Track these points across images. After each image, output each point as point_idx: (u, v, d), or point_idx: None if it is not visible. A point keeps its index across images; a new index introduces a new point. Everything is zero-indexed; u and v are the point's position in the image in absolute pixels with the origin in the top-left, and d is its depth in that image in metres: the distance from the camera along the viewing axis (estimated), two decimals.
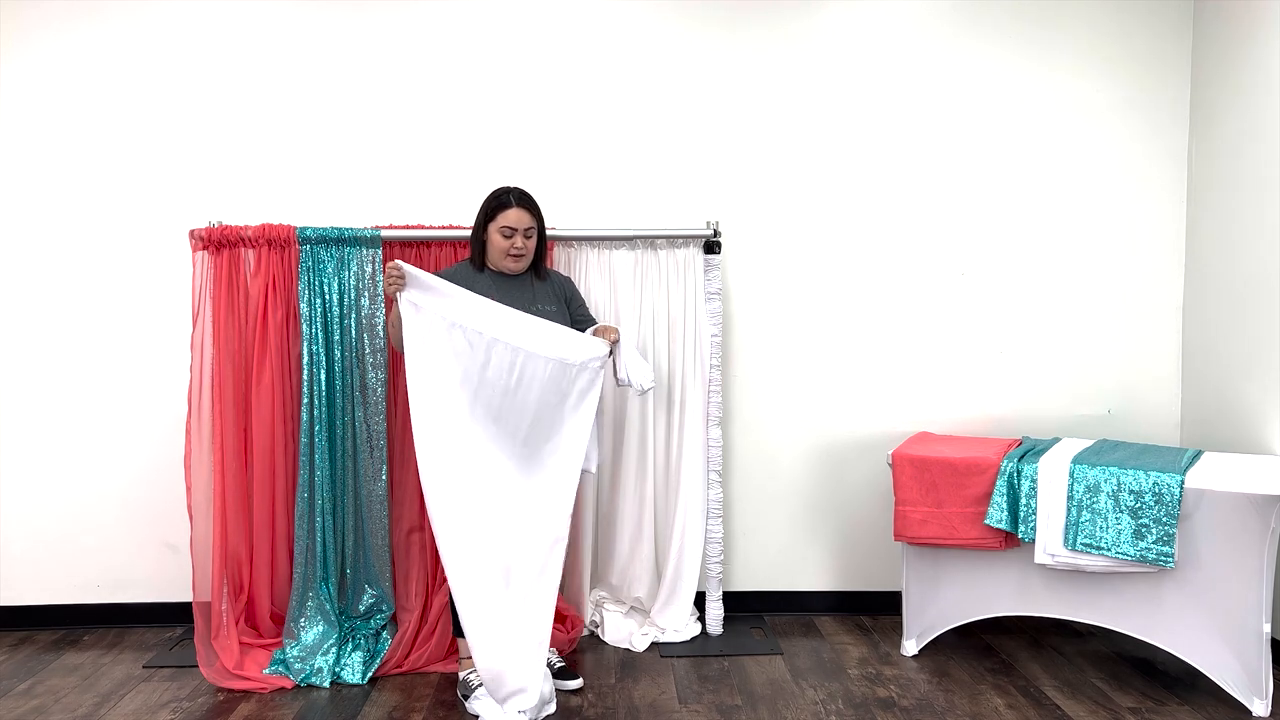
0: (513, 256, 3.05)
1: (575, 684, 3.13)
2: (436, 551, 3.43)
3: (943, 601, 3.31)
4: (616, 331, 3.16)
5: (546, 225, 3.23)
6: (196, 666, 3.23)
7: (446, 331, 2.92)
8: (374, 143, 3.65)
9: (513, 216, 3.03)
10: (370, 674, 3.24)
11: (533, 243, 3.08)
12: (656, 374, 3.58)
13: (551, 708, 2.95)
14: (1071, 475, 3.01)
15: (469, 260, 3.15)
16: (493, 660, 2.85)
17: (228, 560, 3.36)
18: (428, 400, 2.91)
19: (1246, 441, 3.37)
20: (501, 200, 3.05)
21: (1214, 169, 3.58)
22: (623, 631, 3.53)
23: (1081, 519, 2.97)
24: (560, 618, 3.41)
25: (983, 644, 3.48)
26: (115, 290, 3.64)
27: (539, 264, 3.16)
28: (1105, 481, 2.96)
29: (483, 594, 2.91)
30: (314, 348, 3.33)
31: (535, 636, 2.92)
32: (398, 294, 2.91)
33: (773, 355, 3.76)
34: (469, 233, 3.36)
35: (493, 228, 3.04)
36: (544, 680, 2.94)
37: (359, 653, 3.29)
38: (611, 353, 3.14)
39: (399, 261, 2.93)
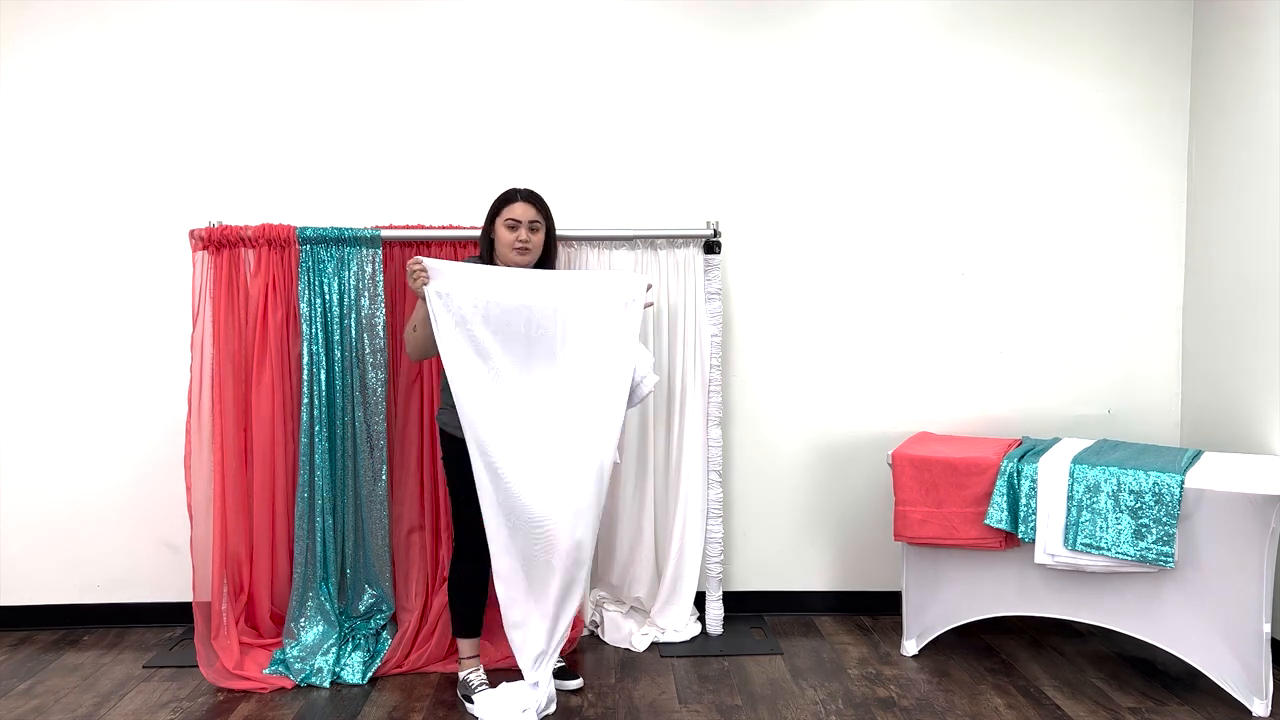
0: (518, 249, 3.04)
1: (575, 684, 3.13)
2: (436, 551, 3.45)
3: (943, 601, 3.31)
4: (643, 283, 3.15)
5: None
6: (196, 666, 3.23)
7: (483, 309, 2.92)
8: (374, 143, 3.65)
9: (518, 209, 3.04)
10: (370, 674, 3.24)
11: (539, 238, 3.08)
12: (657, 374, 3.57)
13: (551, 708, 2.95)
14: (1071, 475, 3.01)
15: (476, 258, 3.15)
16: (527, 628, 2.92)
17: (228, 560, 3.35)
18: (473, 384, 2.91)
19: (1246, 441, 3.37)
20: (507, 195, 3.08)
21: (1214, 169, 3.58)
22: (623, 631, 3.53)
23: (1081, 519, 2.97)
24: None
25: (983, 644, 3.48)
26: (115, 290, 3.64)
27: (547, 263, 3.16)
28: (1105, 481, 2.96)
29: (524, 579, 2.95)
30: (314, 348, 3.33)
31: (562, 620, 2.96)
32: (424, 287, 2.91)
33: (773, 355, 3.76)
34: (469, 233, 3.38)
35: (499, 222, 3.05)
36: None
37: (359, 653, 3.29)
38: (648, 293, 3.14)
39: (419, 256, 2.94)
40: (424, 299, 2.91)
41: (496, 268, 3.01)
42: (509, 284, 2.96)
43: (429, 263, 2.92)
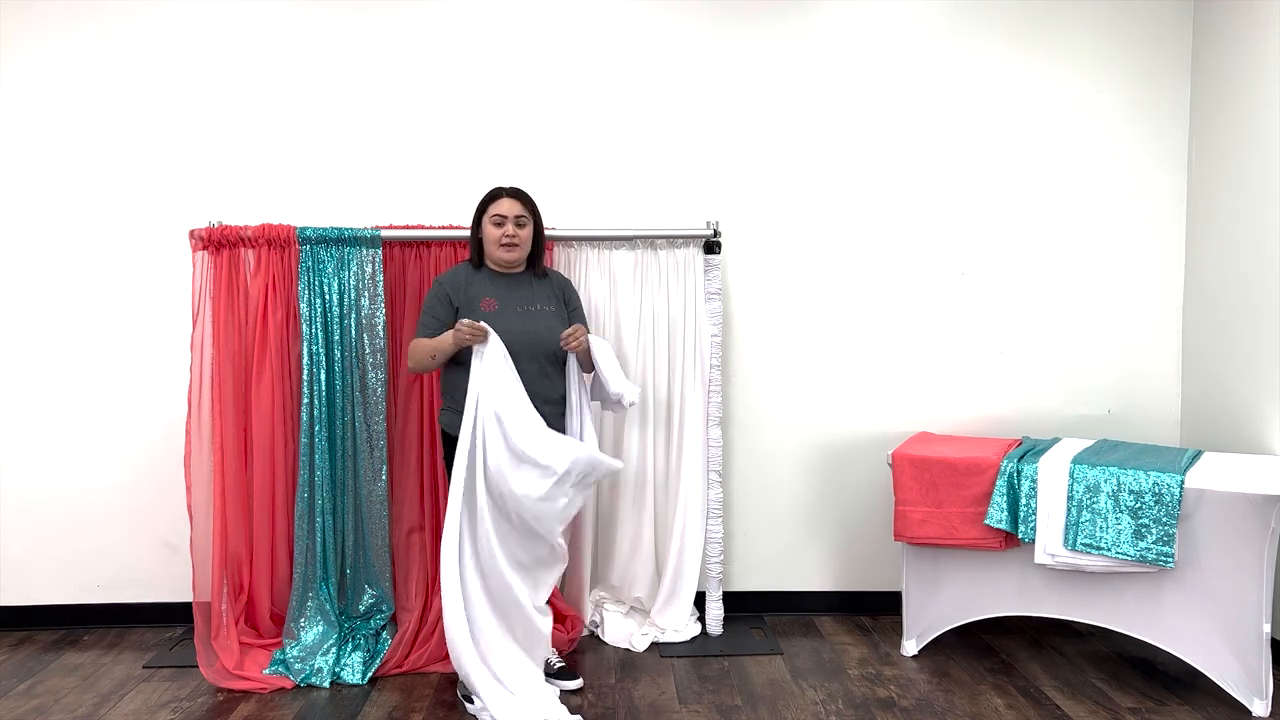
0: (505, 245, 3.05)
1: (575, 684, 3.13)
2: (436, 551, 3.43)
3: (943, 601, 3.31)
4: (585, 332, 3.09)
5: (546, 225, 3.24)
6: (196, 666, 3.23)
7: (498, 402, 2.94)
8: (374, 143, 3.65)
9: (504, 205, 3.06)
10: (370, 674, 3.24)
11: (526, 232, 3.09)
12: (656, 375, 3.58)
13: None
14: (1071, 475, 3.01)
15: (468, 261, 3.16)
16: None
17: (228, 560, 3.36)
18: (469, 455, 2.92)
19: (1246, 441, 3.37)
20: (493, 193, 3.11)
21: (1214, 169, 3.58)
22: (623, 631, 3.53)
23: (1081, 519, 2.97)
24: (560, 618, 3.41)
25: (983, 644, 3.48)
26: (115, 290, 3.64)
27: (536, 261, 3.16)
28: (1105, 481, 2.96)
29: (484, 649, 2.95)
30: (314, 348, 3.33)
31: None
32: (476, 344, 2.92)
33: (773, 355, 3.76)
34: (469, 233, 3.38)
35: (486, 219, 3.08)
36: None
37: (359, 653, 3.29)
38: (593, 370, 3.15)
39: (486, 325, 2.91)
40: (473, 351, 2.93)
41: (521, 394, 2.93)
42: (507, 402, 2.92)
43: (494, 335, 2.92)
